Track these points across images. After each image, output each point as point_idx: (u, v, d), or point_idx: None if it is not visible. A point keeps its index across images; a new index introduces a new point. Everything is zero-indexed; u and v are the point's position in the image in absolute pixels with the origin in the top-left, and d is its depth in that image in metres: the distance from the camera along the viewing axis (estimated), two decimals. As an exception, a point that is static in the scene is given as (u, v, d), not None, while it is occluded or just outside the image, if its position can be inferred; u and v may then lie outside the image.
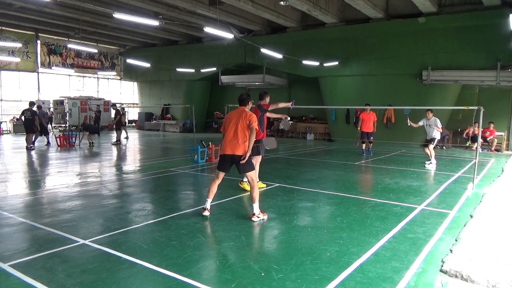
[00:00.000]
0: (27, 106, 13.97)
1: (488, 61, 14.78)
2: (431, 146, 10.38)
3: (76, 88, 26.24)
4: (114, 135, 16.79)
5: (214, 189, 5.29)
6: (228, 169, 5.28)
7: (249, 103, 5.70)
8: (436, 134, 10.34)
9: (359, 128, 13.15)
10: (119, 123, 16.37)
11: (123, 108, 16.75)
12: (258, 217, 5.04)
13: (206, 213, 5.22)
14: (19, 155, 12.04)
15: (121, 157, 12.30)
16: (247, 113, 5.18)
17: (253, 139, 5.07)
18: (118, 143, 15.82)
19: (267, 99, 6.99)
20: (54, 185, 7.56)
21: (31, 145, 13.51)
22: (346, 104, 17.68)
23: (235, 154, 5.06)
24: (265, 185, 7.27)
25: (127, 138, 18.05)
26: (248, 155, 5.03)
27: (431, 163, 10.31)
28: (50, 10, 17.43)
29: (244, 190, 6.88)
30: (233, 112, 5.33)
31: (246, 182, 6.90)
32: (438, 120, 10.31)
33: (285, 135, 21.44)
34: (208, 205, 5.28)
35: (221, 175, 5.29)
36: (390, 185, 7.67)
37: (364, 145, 13.14)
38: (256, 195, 5.06)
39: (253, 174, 5.18)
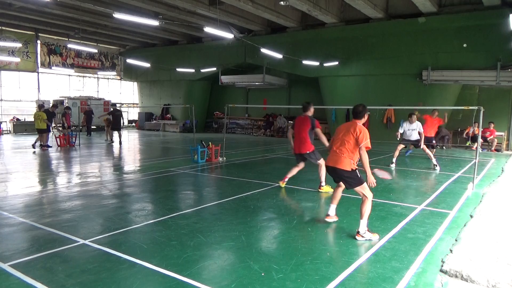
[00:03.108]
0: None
1: (488, 61, 14.79)
2: (425, 148, 10.09)
3: (76, 88, 26.24)
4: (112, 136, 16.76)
5: (337, 194, 5.11)
6: (337, 180, 4.94)
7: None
8: (418, 136, 10.04)
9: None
10: (112, 123, 16.26)
11: (116, 109, 16.51)
12: (363, 236, 4.36)
13: (329, 219, 5.02)
14: (19, 155, 12.04)
15: (121, 157, 12.30)
16: (357, 127, 4.60)
17: (366, 159, 4.45)
18: (110, 142, 15.85)
19: (312, 109, 7.01)
20: (54, 185, 7.56)
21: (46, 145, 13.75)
22: (346, 104, 17.62)
23: (336, 167, 4.68)
24: (331, 189, 6.81)
25: (112, 141, 16.19)
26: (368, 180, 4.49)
27: (436, 165, 9.89)
28: (50, 10, 17.43)
29: (319, 193, 6.82)
30: (344, 124, 4.95)
31: (324, 186, 6.92)
32: (420, 124, 10.10)
33: (285, 135, 21.43)
34: (331, 211, 5.05)
35: (339, 184, 5.04)
36: (390, 185, 7.67)
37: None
38: (365, 211, 4.41)
39: (363, 189, 4.53)
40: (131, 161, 11.49)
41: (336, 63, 17.94)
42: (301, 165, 7.20)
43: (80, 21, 18.52)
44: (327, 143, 6.46)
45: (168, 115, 26.12)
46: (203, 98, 25.43)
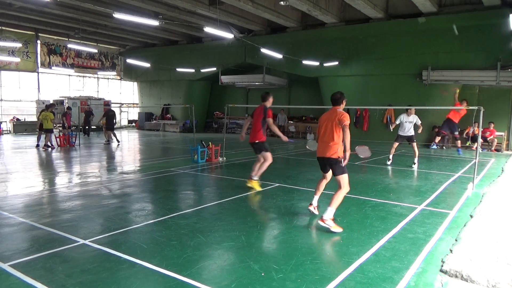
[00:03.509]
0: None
1: (488, 61, 14.79)
2: (415, 144, 10.30)
3: (76, 88, 26.24)
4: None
5: (320, 186, 5.39)
6: (326, 170, 5.16)
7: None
8: (413, 132, 10.37)
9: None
10: (106, 124, 16.26)
11: (110, 110, 16.56)
12: (326, 223, 4.59)
13: (311, 208, 5.31)
14: (19, 155, 12.04)
15: (121, 157, 12.30)
16: (337, 112, 4.88)
17: (348, 138, 4.60)
18: (106, 142, 15.82)
19: (271, 100, 6.99)
20: (54, 185, 7.56)
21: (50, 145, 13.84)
22: (346, 104, 17.59)
23: (325, 157, 4.92)
24: (259, 187, 7.02)
25: (108, 142, 15.85)
26: (346, 156, 4.65)
27: (415, 163, 10.18)
28: (50, 10, 17.43)
29: (251, 189, 6.88)
30: (326, 113, 5.13)
31: (255, 180, 6.92)
32: (418, 118, 10.37)
33: (285, 135, 21.40)
34: (314, 201, 5.35)
35: (325, 175, 5.28)
36: (390, 185, 7.67)
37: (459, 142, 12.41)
38: (337, 200, 4.72)
39: (343, 180, 4.79)
40: (131, 161, 11.49)
41: (336, 63, 17.94)
42: (259, 158, 7.03)
43: (80, 21, 18.53)
44: (278, 133, 6.86)
45: (168, 115, 26.12)
46: (203, 98, 25.43)
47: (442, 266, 3.65)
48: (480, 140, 8.73)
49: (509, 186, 7.87)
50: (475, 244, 4.21)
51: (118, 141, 15.97)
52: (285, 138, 7.13)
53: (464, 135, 15.34)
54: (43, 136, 13.97)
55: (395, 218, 5.29)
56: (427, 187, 7.73)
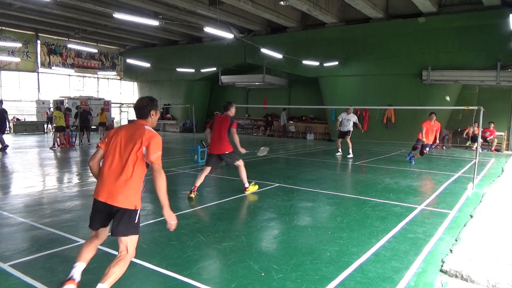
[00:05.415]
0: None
1: (488, 61, 14.79)
2: (348, 138, 11.92)
3: (76, 88, 26.24)
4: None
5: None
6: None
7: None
8: (350, 127, 11.94)
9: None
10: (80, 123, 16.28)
11: (83, 110, 16.83)
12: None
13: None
14: (19, 155, 12.04)
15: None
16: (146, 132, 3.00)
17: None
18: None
19: (234, 110, 6.67)
20: (54, 185, 7.56)
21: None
22: (346, 104, 17.62)
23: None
24: (256, 187, 7.03)
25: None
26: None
27: (350, 154, 11.80)
28: (50, 10, 17.43)
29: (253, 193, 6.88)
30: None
31: (249, 186, 6.85)
32: (355, 116, 12.21)
33: (285, 135, 21.43)
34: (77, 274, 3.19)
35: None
36: (390, 185, 7.67)
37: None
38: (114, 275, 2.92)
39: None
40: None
41: (336, 63, 17.94)
42: (208, 169, 6.60)
43: (80, 21, 18.52)
44: (239, 144, 6.49)
45: (168, 115, 26.13)
46: (203, 98, 25.44)
47: (442, 266, 3.65)
48: (480, 140, 8.73)
49: (509, 186, 7.87)
50: (475, 244, 4.21)
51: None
52: (243, 150, 6.68)
53: (464, 135, 15.35)
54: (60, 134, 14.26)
55: (395, 218, 5.29)
56: (427, 187, 7.74)
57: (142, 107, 3.11)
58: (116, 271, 2.90)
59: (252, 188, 6.90)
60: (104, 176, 3.00)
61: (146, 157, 2.96)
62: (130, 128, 3.07)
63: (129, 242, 3.05)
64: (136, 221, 3.08)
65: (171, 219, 3.12)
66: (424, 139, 10.58)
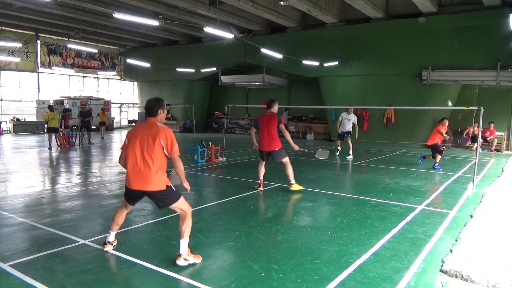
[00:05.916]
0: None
1: (488, 61, 14.78)
2: (349, 139, 11.80)
3: (76, 88, 26.23)
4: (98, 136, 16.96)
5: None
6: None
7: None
8: (350, 128, 11.80)
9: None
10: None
11: (66, 109, 16.85)
12: (186, 259, 3.60)
13: (107, 247, 3.96)
14: (19, 155, 12.04)
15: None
16: (160, 128, 3.60)
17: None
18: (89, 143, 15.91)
19: (276, 107, 6.94)
20: (54, 185, 7.56)
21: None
22: (346, 104, 17.62)
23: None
24: (300, 187, 7.03)
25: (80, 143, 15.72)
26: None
27: (350, 155, 11.64)
28: (50, 10, 17.42)
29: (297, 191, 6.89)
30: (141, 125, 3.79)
31: (295, 183, 6.92)
32: (355, 117, 12.00)
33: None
34: (111, 237, 4.00)
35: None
36: (390, 185, 7.67)
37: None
38: (187, 230, 3.72)
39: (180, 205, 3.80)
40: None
41: (336, 63, 17.94)
42: (263, 162, 7.04)
43: (80, 21, 18.51)
44: (291, 140, 6.85)
45: (168, 115, 26.12)
46: (203, 98, 25.43)
47: (442, 266, 3.65)
48: (480, 140, 8.72)
49: (509, 186, 7.87)
50: (475, 244, 4.21)
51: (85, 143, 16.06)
52: (296, 147, 6.98)
53: (464, 135, 15.34)
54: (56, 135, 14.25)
55: (395, 218, 5.28)
56: (427, 187, 7.73)
57: (151, 107, 3.71)
58: (186, 227, 3.69)
59: (296, 187, 6.92)
60: (132, 169, 3.59)
61: (166, 150, 3.56)
62: (145, 126, 3.67)
63: (180, 205, 3.73)
64: (173, 192, 3.68)
65: (187, 186, 3.84)
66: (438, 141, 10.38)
